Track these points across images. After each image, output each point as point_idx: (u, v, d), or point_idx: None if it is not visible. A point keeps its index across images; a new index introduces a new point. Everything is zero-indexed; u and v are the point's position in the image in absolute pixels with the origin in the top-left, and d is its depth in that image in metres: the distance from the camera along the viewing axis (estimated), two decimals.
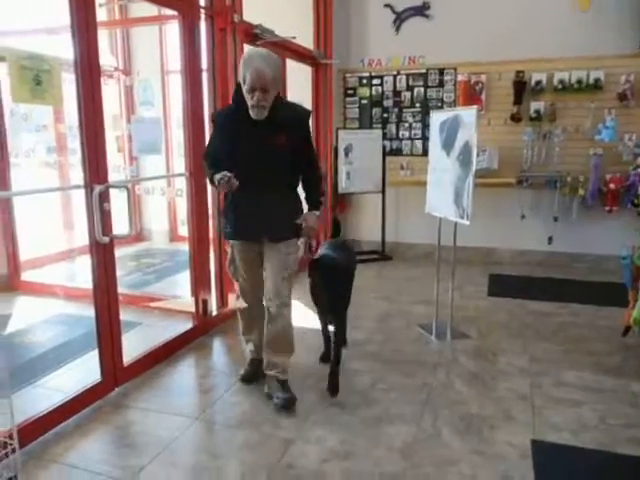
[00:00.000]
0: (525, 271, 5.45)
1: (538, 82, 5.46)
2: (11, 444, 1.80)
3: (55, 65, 2.60)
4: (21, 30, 4.72)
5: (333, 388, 2.81)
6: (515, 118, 5.58)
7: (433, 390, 2.91)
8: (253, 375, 3.00)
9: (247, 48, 2.83)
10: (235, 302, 3.06)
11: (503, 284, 5.04)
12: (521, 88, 5.50)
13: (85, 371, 3.00)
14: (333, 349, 2.87)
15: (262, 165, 2.59)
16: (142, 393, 2.89)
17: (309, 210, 2.80)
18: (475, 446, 2.38)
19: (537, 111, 5.50)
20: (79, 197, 2.77)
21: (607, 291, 4.73)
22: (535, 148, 5.56)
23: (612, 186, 5.29)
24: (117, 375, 2.89)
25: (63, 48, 2.74)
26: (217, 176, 2.52)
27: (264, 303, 2.81)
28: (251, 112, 2.52)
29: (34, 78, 2.58)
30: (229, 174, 2.47)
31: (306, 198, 2.84)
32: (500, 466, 2.23)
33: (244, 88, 2.49)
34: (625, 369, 3.16)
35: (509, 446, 2.38)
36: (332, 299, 2.88)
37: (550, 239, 5.60)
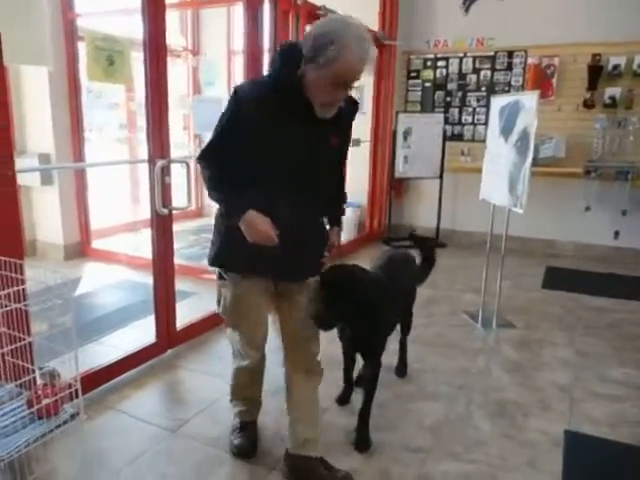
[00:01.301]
0: (586, 265, 5.25)
1: (616, 66, 5.19)
2: (75, 385, 2.02)
3: (127, 45, 2.79)
4: (100, 11, 5.03)
5: (361, 443, 2.26)
6: (588, 104, 5.34)
7: (471, 375, 2.94)
8: (251, 445, 2.24)
9: (332, 15, 1.86)
10: (234, 361, 2.23)
11: (560, 277, 4.89)
12: (597, 72, 5.25)
13: (142, 333, 3.24)
14: (363, 395, 2.31)
15: (310, 175, 1.88)
16: (192, 356, 3.10)
17: (332, 226, 2.14)
18: (506, 431, 2.41)
19: (612, 97, 5.23)
20: (145, 172, 2.96)
21: None
22: (607, 137, 5.30)
23: None
24: (170, 338, 3.11)
25: (135, 29, 2.92)
26: (253, 227, 1.78)
27: (285, 366, 2.15)
28: (318, 110, 1.76)
29: (107, 58, 2.78)
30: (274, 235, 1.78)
31: (330, 211, 2.13)
32: (528, 452, 2.25)
33: (317, 74, 1.69)
34: None
35: (541, 434, 2.38)
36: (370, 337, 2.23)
37: (617, 233, 5.35)
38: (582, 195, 5.40)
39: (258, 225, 1.78)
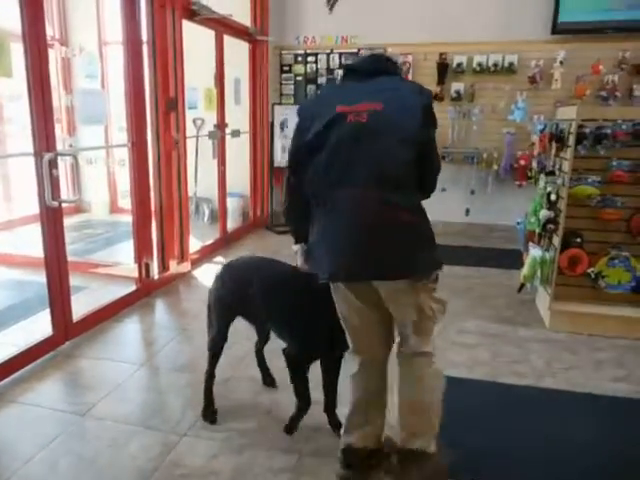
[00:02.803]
0: (446, 241, 5.94)
1: (459, 64, 5.91)
2: None
3: (5, 37, 2.73)
4: None
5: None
6: (438, 98, 6.01)
7: None
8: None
9: None
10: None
11: None
12: (444, 69, 5.93)
13: (36, 329, 3.20)
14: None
15: None
16: (91, 345, 3.15)
17: None
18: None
19: (458, 91, 5.96)
20: (16, 169, 2.91)
21: (514, 256, 5.31)
22: (456, 126, 6.03)
23: (522, 162, 5.82)
24: (67, 329, 3.13)
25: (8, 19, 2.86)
26: None
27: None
28: None
29: None
30: None
31: None
32: None
33: None
34: (517, 319, 3.72)
35: None
36: None
37: (467, 211, 6.16)
38: (439, 178, 6.08)
39: None
